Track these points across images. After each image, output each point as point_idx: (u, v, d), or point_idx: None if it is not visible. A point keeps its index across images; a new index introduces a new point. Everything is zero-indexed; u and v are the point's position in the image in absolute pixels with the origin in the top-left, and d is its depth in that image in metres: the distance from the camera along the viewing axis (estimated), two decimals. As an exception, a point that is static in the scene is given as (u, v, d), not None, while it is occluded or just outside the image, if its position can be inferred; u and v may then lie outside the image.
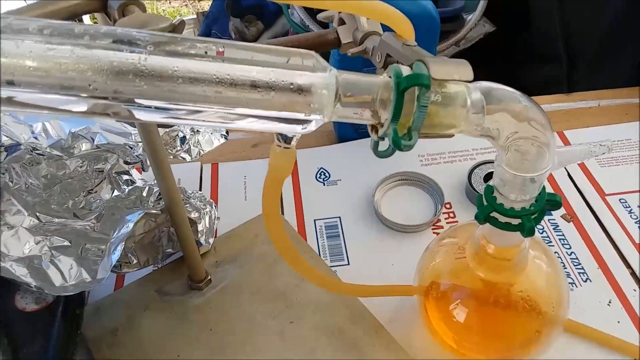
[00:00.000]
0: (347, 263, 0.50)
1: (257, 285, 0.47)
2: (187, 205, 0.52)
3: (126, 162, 0.46)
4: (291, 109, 0.22)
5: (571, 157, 0.28)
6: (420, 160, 0.59)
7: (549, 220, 0.52)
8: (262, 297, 0.46)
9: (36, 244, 0.43)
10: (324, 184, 0.57)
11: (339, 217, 0.54)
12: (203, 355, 0.42)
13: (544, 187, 0.30)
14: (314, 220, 0.54)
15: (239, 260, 0.49)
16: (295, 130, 0.23)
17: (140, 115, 0.22)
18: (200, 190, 0.58)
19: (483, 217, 0.31)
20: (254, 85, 0.21)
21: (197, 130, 0.47)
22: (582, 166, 0.57)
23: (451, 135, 0.25)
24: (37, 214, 0.46)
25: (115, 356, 0.43)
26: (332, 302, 0.45)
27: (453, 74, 0.23)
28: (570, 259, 0.48)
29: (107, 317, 0.45)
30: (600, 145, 0.28)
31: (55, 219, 0.47)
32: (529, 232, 0.29)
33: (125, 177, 0.53)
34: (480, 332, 0.38)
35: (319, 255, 0.50)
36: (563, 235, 0.51)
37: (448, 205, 0.54)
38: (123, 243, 0.39)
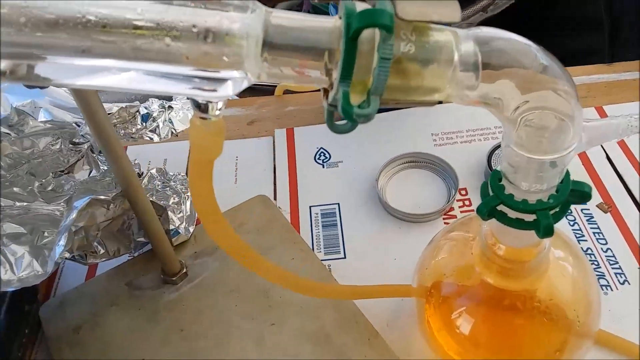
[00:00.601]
0: (343, 256, 0.44)
1: (237, 281, 0.41)
2: (167, 188, 0.47)
3: (72, 143, 0.41)
4: (196, 63, 0.15)
5: (605, 133, 0.21)
6: (434, 140, 0.52)
7: (582, 210, 0.44)
8: (242, 294, 0.40)
9: (-14, 231, 0.38)
10: (324, 166, 0.51)
11: (338, 204, 0.47)
12: (170, 360, 0.37)
13: (567, 173, 0.23)
14: (310, 207, 0.48)
15: (219, 252, 0.43)
16: (205, 94, 0.16)
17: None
18: (187, 172, 0.53)
19: (487, 211, 0.24)
20: (137, 27, 0.15)
21: (170, 107, 0.42)
22: (623, 145, 0.49)
23: (433, 103, 0.18)
24: (-5, 197, 0.41)
25: (75, 356, 0.38)
26: (321, 303, 0.39)
27: (430, 14, 0.16)
28: (606, 256, 0.41)
29: (71, 312, 0.41)
30: (645, 118, 0.21)
31: (17, 203, 0.42)
32: (545, 232, 0.23)
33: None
34: (490, 347, 0.32)
35: (312, 246, 0.44)
36: (598, 228, 0.43)
37: (463, 192, 0.47)
38: (66, 233, 0.34)
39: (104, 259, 0.42)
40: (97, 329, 0.40)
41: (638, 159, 0.48)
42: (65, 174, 0.47)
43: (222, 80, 0.16)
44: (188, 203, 0.46)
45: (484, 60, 0.18)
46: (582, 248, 0.42)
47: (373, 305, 0.39)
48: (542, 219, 0.23)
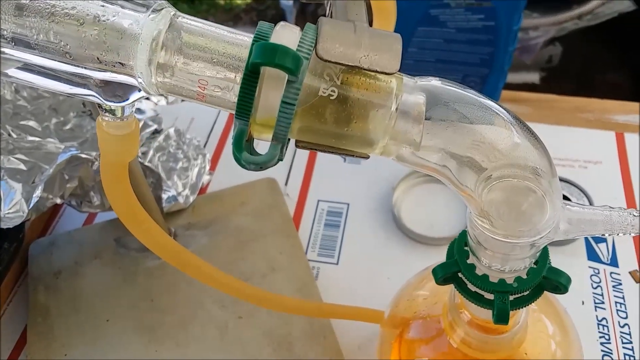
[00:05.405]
0: (335, 262, 0.41)
1: (220, 263, 0.40)
2: (180, 151, 0.46)
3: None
4: (79, 59, 0.13)
5: (592, 223, 0.17)
6: (470, 157, 0.47)
7: (611, 273, 0.39)
8: (220, 278, 0.39)
9: (-12, 161, 0.39)
10: (345, 160, 0.48)
11: (348, 205, 0.45)
12: (132, 328, 0.37)
13: (545, 257, 0.19)
14: (318, 201, 0.45)
15: (212, 227, 0.42)
16: (93, 96, 0.14)
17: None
18: (208, 137, 0.51)
19: (442, 277, 0.20)
20: (21, 9, 0.13)
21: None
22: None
23: (365, 156, 0.15)
24: (9, 127, 0.42)
25: (48, 301, 0.39)
26: (294, 307, 0.37)
27: (358, 58, 0.13)
28: (621, 333, 0.36)
29: (57, 256, 0.41)
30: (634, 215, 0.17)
31: (29, 137, 0.43)
32: (499, 318, 0.19)
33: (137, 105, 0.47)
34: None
35: (308, 243, 0.42)
36: (622, 298, 0.38)
37: (485, 221, 0.43)
38: (43, 184, 0.34)
39: (99, 210, 0.42)
40: (75, 278, 0.40)
41: None
42: (88, 115, 0.47)
43: (115, 85, 0.14)
44: (195, 170, 0.45)
45: (433, 118, 0.14)
46: (596, 317, 0.37)
47: (350, 323, 0.36)
48: (498, 302, 0.19)
